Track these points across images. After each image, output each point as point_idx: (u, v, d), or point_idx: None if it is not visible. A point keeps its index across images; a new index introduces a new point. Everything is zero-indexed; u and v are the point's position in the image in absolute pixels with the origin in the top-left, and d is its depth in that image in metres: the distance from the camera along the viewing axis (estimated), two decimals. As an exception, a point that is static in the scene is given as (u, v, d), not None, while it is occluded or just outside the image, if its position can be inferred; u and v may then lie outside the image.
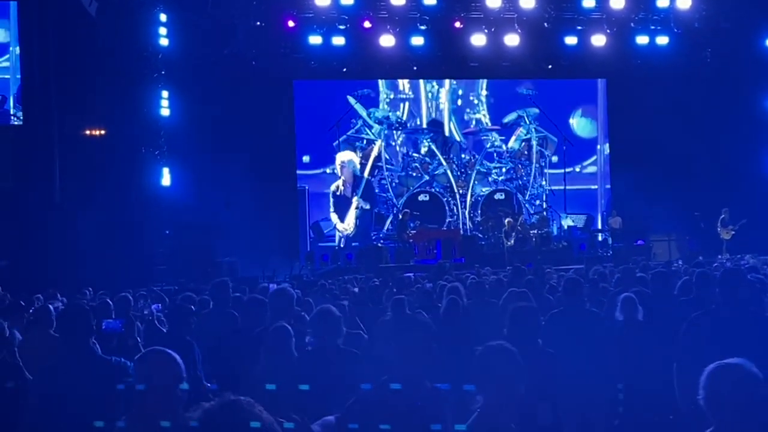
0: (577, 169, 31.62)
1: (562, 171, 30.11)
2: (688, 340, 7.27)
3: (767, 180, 28.94)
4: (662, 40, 28.82)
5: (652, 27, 28.70)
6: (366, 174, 29.61)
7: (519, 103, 30.91)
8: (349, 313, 10.14)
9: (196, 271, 21.78)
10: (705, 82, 28.61)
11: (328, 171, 30.15)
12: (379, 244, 27.75)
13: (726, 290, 7.27)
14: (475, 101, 31.44)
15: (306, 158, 30.17)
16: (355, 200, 29.16)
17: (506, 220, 27.38)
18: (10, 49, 24.23)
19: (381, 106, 30.66)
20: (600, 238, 29.39)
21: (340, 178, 29.52)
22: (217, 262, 23.62)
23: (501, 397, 4.78)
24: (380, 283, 15.15)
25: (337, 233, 29.16)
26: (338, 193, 29.39)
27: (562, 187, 29.80)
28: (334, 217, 29.34)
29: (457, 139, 31.04)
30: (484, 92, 31.43)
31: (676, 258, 23.81)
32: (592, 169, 31.95)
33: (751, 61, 28.66)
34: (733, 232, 26.97)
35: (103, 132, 24.63)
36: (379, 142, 30.00)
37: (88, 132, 24.51)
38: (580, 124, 31.91)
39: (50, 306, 10.42)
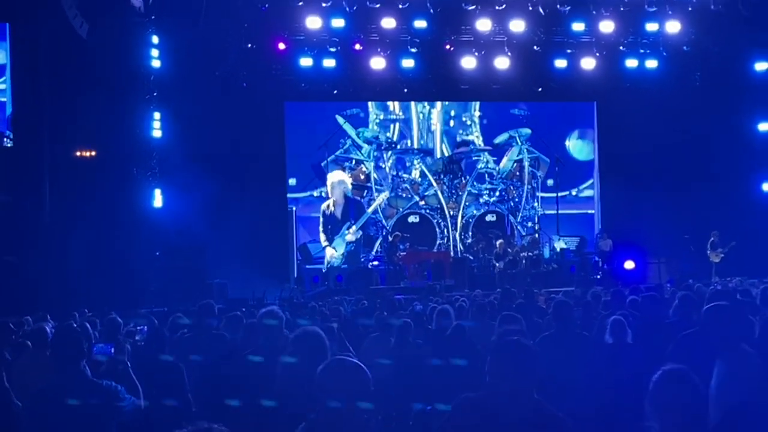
0: (573, 192, 31.69)
1: (555, 195, 30.17)
2: (675, 361, 7.28)
3: (757, 202, 29.02)
4: (651, 63, 28.98)
5: (642, 50, 28.88)
6: (369, 210, 29.56)
7: (512, 123, 30.99)
8: (338, 335, 10.14)
9: (186, 293, 21.73)
10: (694, 106, 28.73)
11: (315, 194, 30.15)
12: (369, 266, 27.72)
13: (712, 313, 7.31)
14: (468, 122, 31.51)
15: (292, 181, 30.13)
16: (352, 230, 29.06)
17: (498, 242, 27.39)
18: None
19: (371, 127, 30.71)
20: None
21: (330, 198, 29.49)
22: (207, 284, 23.59)
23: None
24: (369, 305, 15.16)
25: (326, 255, 29.07)
26: (328, 213, 29.31)
27: (554, 211, 29.84)
28: (322, 237, 29.25)
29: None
30: (477, 113, 31.51)
31: (666, 280, 23.84)
32: (588, 192, 31.97)
33: (739, 85, 28.82)
34: (722, 255, 27.02)
35: (94, 153, 24.60)
36: (369, 164, 30.04)
37: (79, 153, 24.48)
38: (576, 146, 31.97)
39: (46, 327, 10.39)
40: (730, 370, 6.71)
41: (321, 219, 29.40)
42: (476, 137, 31.39)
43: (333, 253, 28.69)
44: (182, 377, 8.24)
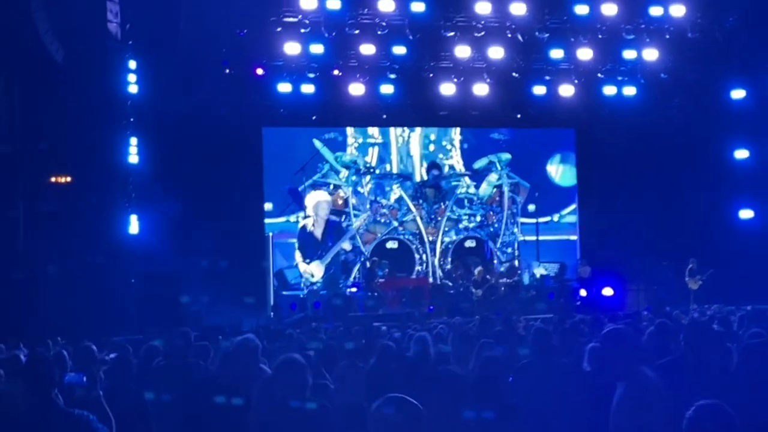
0: (555, 218, 31.69)
1: (535, 221, 30.23)
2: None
3: (734, 229, 29.11)
4: (629, 90, 29.15)
5: (620, 78, 29.06)
6: (355, 226, 29.49)
7: (492, 148, 31.02)
8: (315, 363, 10.04)
9: (161, 321, 21.51)
10: (672, 133, 28.87)
11: (291, 219, 29.98)
12: (348, 293, 27.58)
13: (690, 340, 7.29)
14: (448, 146, 31.49)
15: (268, 206, 29.97)
16: (346, 244, 28.99)
17: (476, 269, 27.35)
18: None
19: (348, 151, 30.65)
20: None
21: (310, 217, 29.32)
22: (183, 311, 23.35)
23: None
24: (346, 332, 15.06)
25: (303, 280, 28.84)
26: (307, 231, 29.21)
27: (534, 238, 29.87)
28: (298, 255, 29.11)
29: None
30: (457, 137, 31.51)
31: (644, 307, 23.81)
32: (571, 218, 31.97)
33: (716, 112, 28.98)
34: (701, 282, 27.03)
35: (69, 179, 24.42)
36: (348, 189, 29.97)
37: (54, 179, 24.30)
38: (559, 171, 31.98)
39: (20, 355, 10.28)
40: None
41: (298, 236, 29.27)
42: (456, 162, 31.37)
43: (308, 269, 28.50)
44: (145, 407, 8.13)
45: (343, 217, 29.93)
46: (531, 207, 30.93)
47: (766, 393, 7.77)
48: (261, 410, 6.96)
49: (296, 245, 29.26)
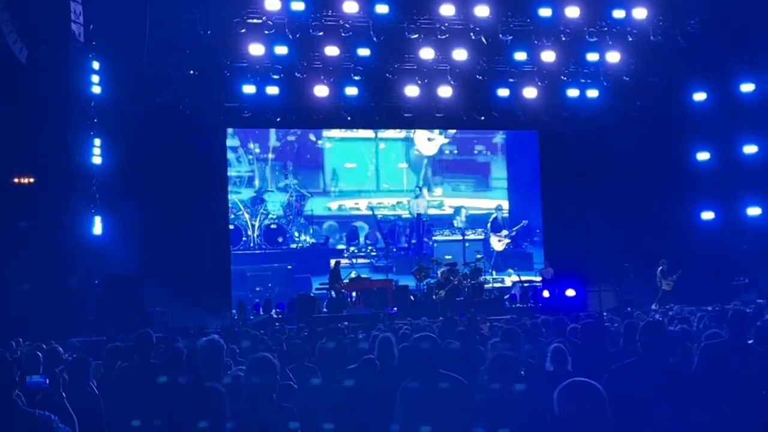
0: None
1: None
2: (608, 391, 7.34)
3: (695, 231, 29.37)
4: (592, 93, 29.40)
5: (582, 80, 29.28)
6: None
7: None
8: (280, 363, 10.05)
9: (125, 322, 21.43)
10: (634, 135, 29.06)
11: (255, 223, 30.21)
12: (312, 294, 27.59)
13: (646, 342, 7.36)
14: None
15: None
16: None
17: (440, 271, 27.41)
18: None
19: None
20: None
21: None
22: (148, 313, 23.27)
23: None
24: (311, 333, 15.07)
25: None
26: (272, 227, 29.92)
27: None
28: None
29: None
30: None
31: (606, 309, 23.97)
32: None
33: (678, 115, 29.30)
34: (672, 283, 27.06)
35: (32, 180, 24.22)
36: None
37: (17, 180, 24.10)
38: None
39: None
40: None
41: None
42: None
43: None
44: (98, 408, 8.13)
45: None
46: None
47: (725, 391, 7.90)
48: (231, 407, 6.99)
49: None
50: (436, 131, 31.83)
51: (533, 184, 32.21)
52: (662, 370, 7.23)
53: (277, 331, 17.74)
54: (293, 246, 30.22)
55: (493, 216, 31.76)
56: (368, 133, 31.34)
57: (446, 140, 31.95)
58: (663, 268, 27.36)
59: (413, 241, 31.20)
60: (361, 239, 31.00)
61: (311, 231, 30.43)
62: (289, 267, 29.90)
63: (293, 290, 28.83)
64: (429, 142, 31.72)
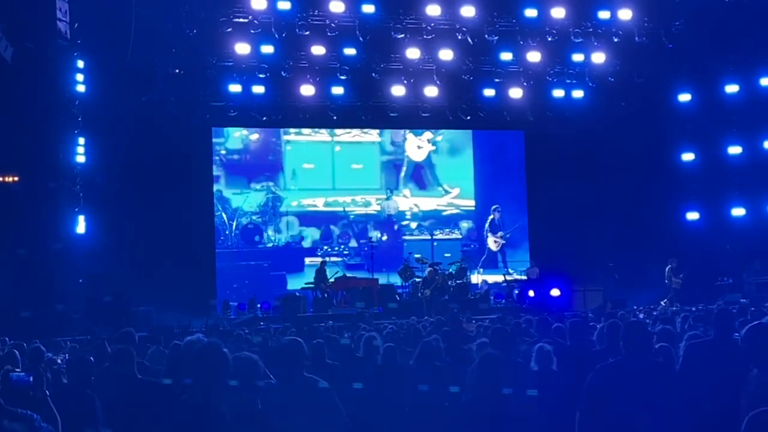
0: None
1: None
2: (590, 391, 7.38)
3: (680, 231, 29.43)
4: (578, 93, 29.48)
5: (568, 81, 29.33)
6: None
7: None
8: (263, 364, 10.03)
9: (109, 321, 21.35)
10: (620, 135, 29.14)
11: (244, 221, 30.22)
12: (297, 293, 27.56)
13: (629, 342, 7.38)
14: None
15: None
16: None
17: (427, 270, 27.39)
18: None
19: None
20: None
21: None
22: (132, 312, 23.18)
23: None
24: (298, 333, 15.05)
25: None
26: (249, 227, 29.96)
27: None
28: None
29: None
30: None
31: (591, 308, 24.01)
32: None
33: (663, 116, 29.35)
34: (680, 281, 26.99)
35: (16, 179, 24.12)
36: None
37: (0, 179, 23.99)
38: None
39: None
40: None
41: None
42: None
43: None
44: (94, 408, 8.09)
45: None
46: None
47: (708, 390, 7.92)
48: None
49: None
50: (426, 139, 31.73)
51: (497, 181, 32.22)
52: (645, 369, 7.24)
53: (262, 330, 17.72)
54: (269, 245, 30.17)
55: (491, 217, 31.73)
56: (325, 137, 31.19)
57: (433, 148, 31.88)
58: (672, 266, 27.31)
59: (383, 238, 31.12)
60: (335, 237, 30.99)
61: (287, 223, 30.40)
62: (265, 265, 29.87)
63: (268, 288, 29.04)
64: (419, 149, 31.71)
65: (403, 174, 31.63)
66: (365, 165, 31.46)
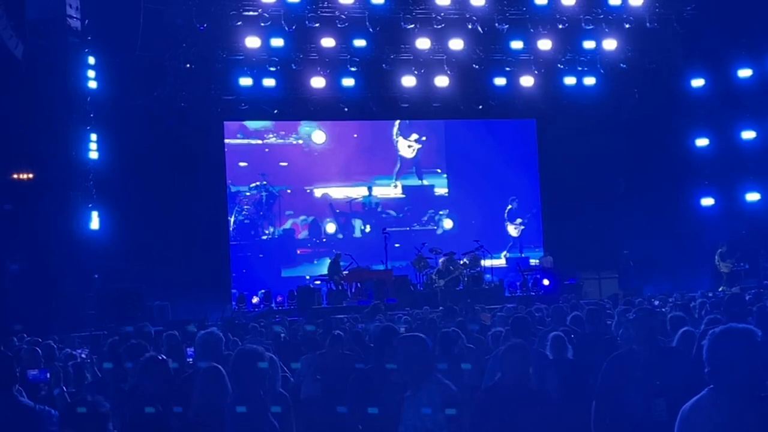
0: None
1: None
2: (606, 379, 7.37)
3: (696, 217, 29.31)
4: (589, 80, 29.35)
5: (579, 68, 29.23)
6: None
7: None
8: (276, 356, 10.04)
9: (125, 316, 21.41)
10: (632, 121, 29.10)
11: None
12: (312, 286, 27.59)
13: (640, 330, 7.37)
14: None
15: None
16: None
17: (441, 260, 27.39)
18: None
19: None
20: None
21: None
22: (147, 306, 23.24)
23: None
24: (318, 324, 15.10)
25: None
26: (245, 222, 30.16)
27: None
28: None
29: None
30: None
31: (606, 296, 23.96)
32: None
33: (676, 101, 29.19)
34: (731, 266, 26.84)
35: (30, 176, 24.18)
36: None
37: (15, 176, 24.07)
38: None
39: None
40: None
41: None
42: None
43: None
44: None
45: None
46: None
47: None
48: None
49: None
50: (413, 139, 31.71)
51: (510, 170, 32.14)
52: (657, 356, 7.23)
53: (278, 323, 17.75)
54: (264, 238, 30.20)
55: (509, 207, 31.82)
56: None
57: (420, 146, 31.82)
58: (722, 251, 27.14)
59: (367, 230, 31.07)
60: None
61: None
62: (261, 256, 29.91)
63: (263, 278, 29.15)
64: (408, 148, 31.73)
65: (397, 169, 31.63)
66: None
